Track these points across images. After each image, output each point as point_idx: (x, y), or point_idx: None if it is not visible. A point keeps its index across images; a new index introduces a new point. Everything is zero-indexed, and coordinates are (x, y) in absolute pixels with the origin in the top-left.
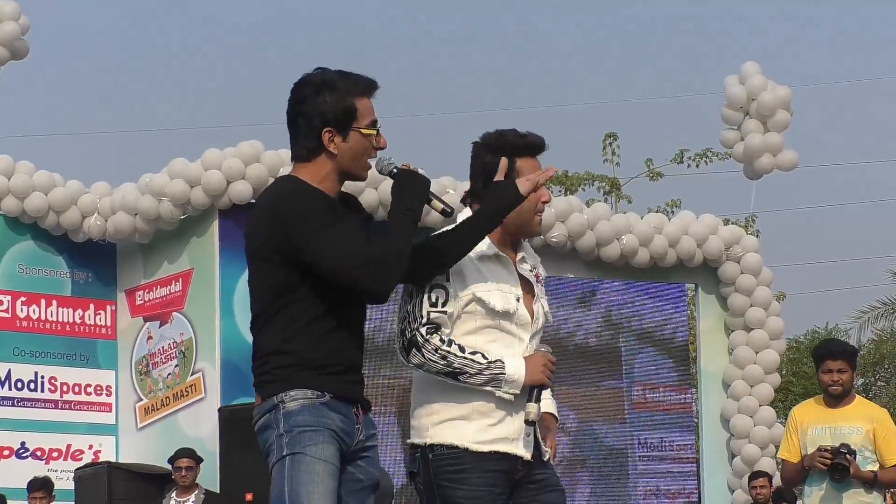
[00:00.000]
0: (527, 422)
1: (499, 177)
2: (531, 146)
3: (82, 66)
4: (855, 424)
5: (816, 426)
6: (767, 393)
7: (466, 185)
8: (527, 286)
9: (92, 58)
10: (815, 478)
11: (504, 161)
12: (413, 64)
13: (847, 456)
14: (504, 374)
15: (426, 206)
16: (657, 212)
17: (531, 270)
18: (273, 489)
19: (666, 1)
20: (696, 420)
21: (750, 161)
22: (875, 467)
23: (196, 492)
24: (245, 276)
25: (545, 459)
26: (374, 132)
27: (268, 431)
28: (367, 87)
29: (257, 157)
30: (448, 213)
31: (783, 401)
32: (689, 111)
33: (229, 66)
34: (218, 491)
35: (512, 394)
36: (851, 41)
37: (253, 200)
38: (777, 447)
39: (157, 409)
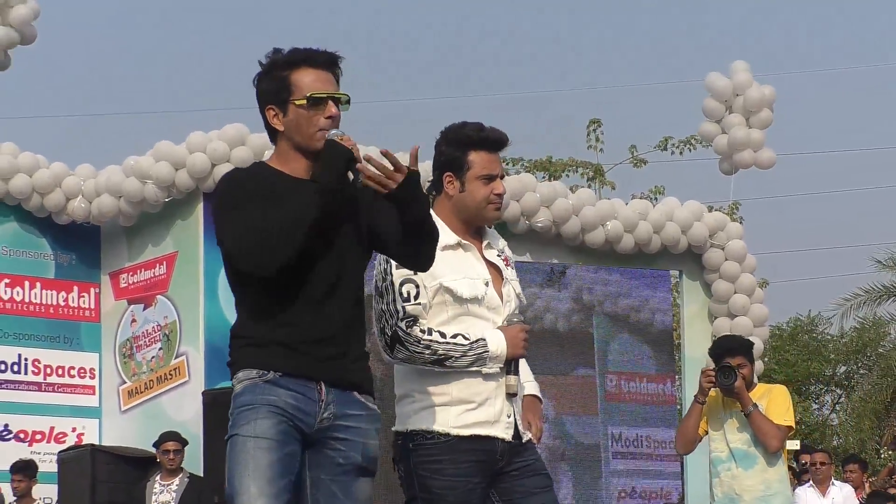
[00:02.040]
0: (509, 395)
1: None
2: (486, 141)
3: (67, 47)
4: (759, 404)
5: (723, 411)
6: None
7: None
8: (496, 271)
9: (78, 40)
10: (721, 459)
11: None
12: (399, 49)
13: (728, 369)
14: (488, 351)
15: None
16: (641, 198)
17: (499, 255)
18: None
19: None
20: (678, 408)
21: (730, 155)
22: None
23: (181, 475)
24: None
25: (525, 441)
26: (304, 102)
27: None
28: (306, 59)
29: (242, 140)
30: (353, 183)
31: None
32: (674, 98)
33: (215, 49)
34: (201, 475)
35: (498, 367)
36: (834, 32)
37: None
38: None
39: (141, 393)
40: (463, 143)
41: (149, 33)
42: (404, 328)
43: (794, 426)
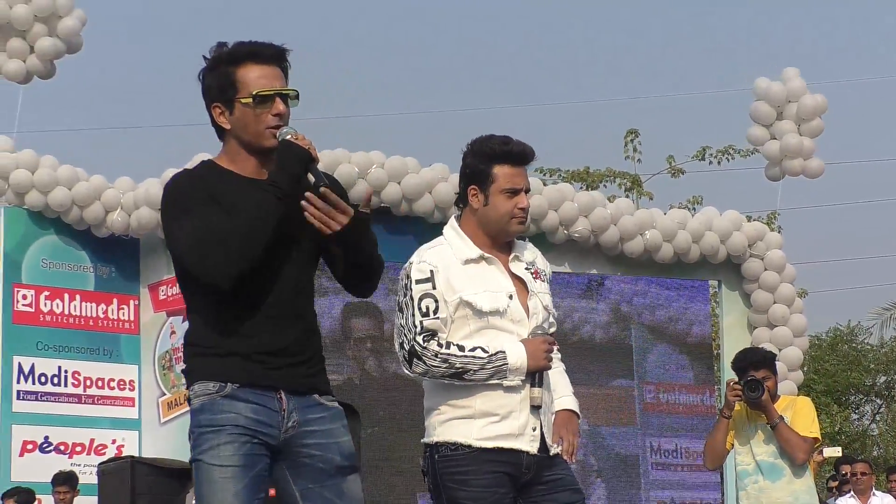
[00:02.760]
0: (533, 407)
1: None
2: (510, 154)
3: (105, 60)
4: (784, 416)
5: (749, 424)
6: (790, 390)
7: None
8: (522, 284)
9: (115, 52)
10: (747, 472)
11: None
12: (437, 58)
13: (754, 382)
14: (507, 363)
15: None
16: (679, 208)
17: (527, 268)
18: None
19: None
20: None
21: (779, 161)
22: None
23: None
24: None
25: (553, 455)
26: (250, 100)
27: None
28: (251, 54)
29: None
30: (317, 187)
31: None
32: (711, 108)
33: None
34: None
35: (519, 379)
36: (877, 39)
37: None
38: None
39: (181, 404)
40: (487, 157)
41: (189, 45)
42: (421, 342)
43: (819, 438)
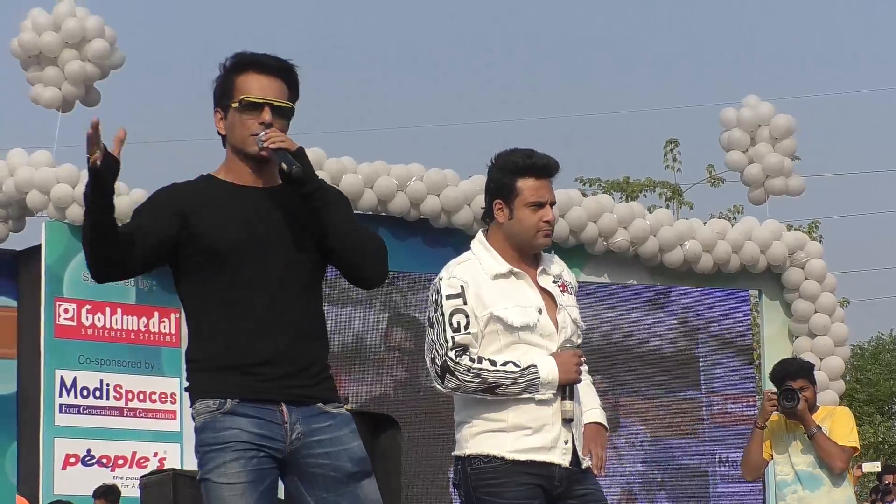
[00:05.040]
0: (565, 420)
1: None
2: (533, 167)
3: (144, 76)
4: (822, 426)
5: (787, 434)
6: (832, 399)
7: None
8: (550, 297)
9: (154, 68)
10: (786, 482)
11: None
12: (476, 70)
13: (790, 391)
14: (539, 377)
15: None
16: (720, 218)
17: (555, 281)
18: None
19: (727, 9)
20: None
21: (761, 184)
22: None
23: None
24: None
25: (584, 468)
26: (236, 105)
27: None
28: (253, 63)
29: (319, 165)
30: (286, 172)
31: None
32: None
33: None
34: (281, 497)
35: (551, 393)
36: None
37: None
38: None
39: None
40: (511, 170)
41: (214, 59)
42: (453, 358)
43: (858, 447)
